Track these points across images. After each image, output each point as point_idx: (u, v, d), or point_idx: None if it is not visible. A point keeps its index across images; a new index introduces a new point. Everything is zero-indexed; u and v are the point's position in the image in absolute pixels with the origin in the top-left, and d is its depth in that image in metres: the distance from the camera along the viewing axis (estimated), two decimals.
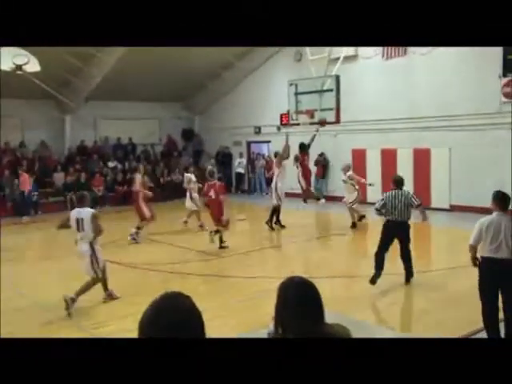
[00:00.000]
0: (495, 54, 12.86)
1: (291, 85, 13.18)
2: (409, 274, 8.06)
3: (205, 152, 23.55)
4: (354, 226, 13.08)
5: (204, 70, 20.03)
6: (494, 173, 13.03)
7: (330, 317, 2.33)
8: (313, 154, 16.68)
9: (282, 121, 19.08)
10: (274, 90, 19.15)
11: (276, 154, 14.13)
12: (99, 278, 7.51)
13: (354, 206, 13.15)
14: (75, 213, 7.58)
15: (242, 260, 10.26)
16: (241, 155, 21.85)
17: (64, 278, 8.96)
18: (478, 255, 5.52)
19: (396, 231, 7.89)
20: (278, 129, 19.86)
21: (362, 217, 13.37)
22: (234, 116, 21.68)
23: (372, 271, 7.86)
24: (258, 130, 20.99)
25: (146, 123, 21.97)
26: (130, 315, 6.45)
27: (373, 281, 7.78)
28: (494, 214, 5.45)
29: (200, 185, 13.21)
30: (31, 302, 7.79)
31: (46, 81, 15.43)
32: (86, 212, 7.52)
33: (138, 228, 12.12)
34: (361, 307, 7.20)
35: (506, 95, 13.53)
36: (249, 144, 22.22)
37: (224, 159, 22.51)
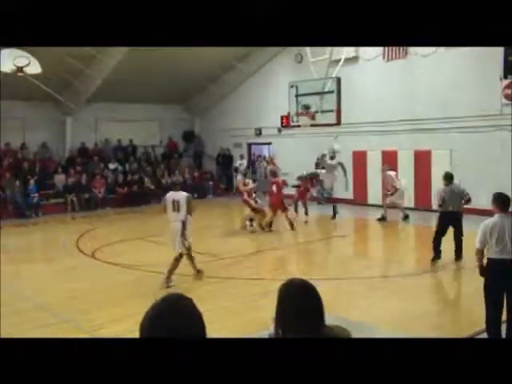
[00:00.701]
0: (496, 55, 12.87)
1: (292, 86, 13.19)
2: (459, 252, 9.22)
3: (205, 154, 23.56)
4: (382, 219, 13.77)
5: (205, 71, 20.05)
6: (495, 174, 13.02)
7: (330, 319, 2.32)
8: (310, 156, 16.73)
9: (282, 123, 19.12)
10: (275, 92, 19.16)
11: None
12: (185, 252, 8.58)
13: (389, 202, 13.86)
14: (171, 195, 8.62)
15: (242, 262, 10.25)
16: (241, 157, 21.85)
17: (64, 280, 8.95)
18: (484, 260, 5.51)
19: (452, 221, 9.21)
20: (279, 130, 19.89)
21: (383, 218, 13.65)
22: (234, 118, 21.69)
23: (372, 271, 8.30)
24: (258, 132, 21.00)
25: (146, 125, 21.98)
26: (130, 317, 6.44)
27: (433, 262, 9.30)
28: (496, 215, 5.45)
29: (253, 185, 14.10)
30: (31, 304, 7.79)
31: (46, 82, 15.46)
32: (181, 195, 8.57)
33: (251, 219, 13.38)
34: (361, 309, 7.19)
35: (507, 97, 13.53)
36: (249, 146, 22.23)
37: (224, 161, 22.53)
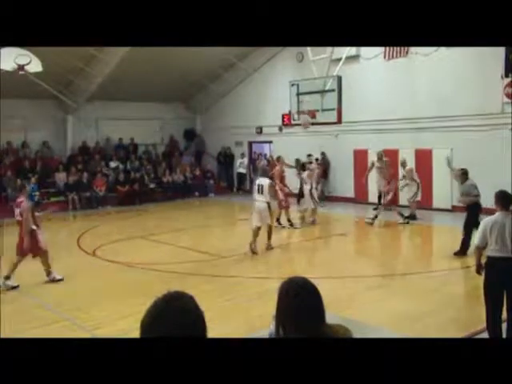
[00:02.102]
0: (497, 54, 12.86)
1: (293, 85, 13.19)
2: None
3: (206, 152, 23.56)
4: (413, 218, 13.61)
5: (206, 70, 20.05)
6: (496, 173, 13.00)
7: (331, 317, 2.32)
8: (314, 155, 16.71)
9: (283, 121, 19.12)
10: (276, 91, 19.15)
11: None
12: (273, 223, 11.27)
13: (412, 201, 13.77)
14: (258, 181, 10.74)
15: (242, 260, 10.25)
16: (242, 155, 21.86)
17: (65, 278, 8.95)
18: (482, 260, 5.51)
19: (481, 212, 9.61)
20: (280, 129, 19.88)
21: (407, 217, 13.57)
22: (235, 116, 21.68)
23: (373, 271, 7.91)
24: (259, 131, 20.99)
25: (147, 123, 21.97)
26: (130, 315, 6.45)
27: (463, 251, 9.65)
28: (497, 213, 5.45)
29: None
30: (32, 302, 7.80)
31: (48, 81, 15.48)
32: (265, 180, 10.62)
33: (277, 219, 13.32)
34: (362, 308, 7.19)
35: (508, 96, 13.52)
36: (250, 144, 22.23)
37: (225, 159, 22.53)
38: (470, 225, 9.62)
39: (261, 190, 10.45)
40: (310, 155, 15.68)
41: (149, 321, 1.65)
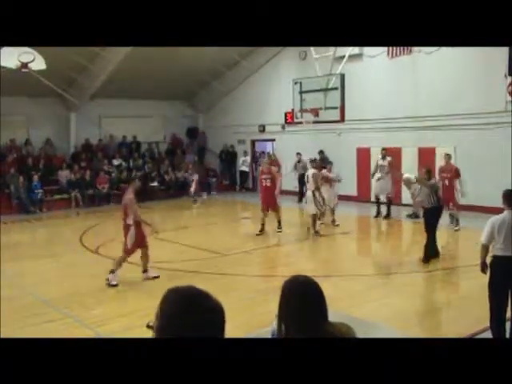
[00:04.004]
0: (501, 53, 12.79)
1: (296, 83, 13.16)
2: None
3: (209, 150, 23.56)
4: (416, 216, 13.24)
5: (209, 68, 20.03)
6: (500, 172, 12.97)
7: (334, 315, 2.32)
8: (313, 153, 16.70)
9: (286, 119, 19.09)
10: (279, 89, 19.13)
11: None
12: (321, 212, 12.18)
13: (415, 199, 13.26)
14: (309, 172, 12.08)
15: (245, 258, 10.26)
16: (245, 153, 21.85)
17: (67, 275, 8.98)
18: (488, 259, 5.48)
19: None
20: (283, 127, 19.86)
21: (409, 216, 13.47)
22: (238, 114, 21.67)
23: (374, 270, 7.85)
24: (262, 129, 20.98)
25: (150, 121, 21.99)
26: (133, 312, 6.47)
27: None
28: (505, 212, 5.40)
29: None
30: (36, 299, 7.83)
31: (51, 79, 15.48)
32: (310, 171, 12.00)
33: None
34: (364, 306, 7.19)
35: None
36: (253, 142, 22.21)
37: (228, 157, 22.52)
38: (433, 229, 9.34)
39: (307, 179, 11.69)
40: (321, 152, 15.39)
41: (175, 312, 1.62)
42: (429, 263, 9.11)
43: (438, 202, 9.38)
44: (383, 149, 14.52)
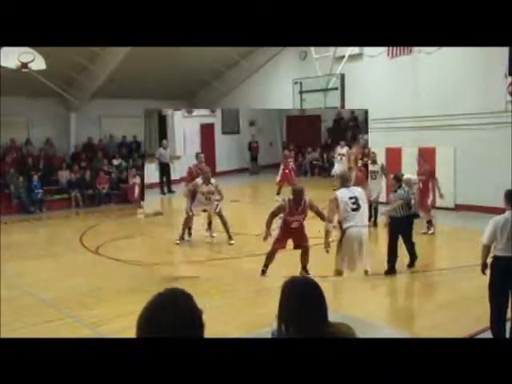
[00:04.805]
0: (501, 53, 12.79)
1: (296, 83, 13.18)
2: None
3: None
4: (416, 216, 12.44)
5: (208, 68, 20.02)
6: (500, 172, 12.97)
7: (334, 316, 2.32)
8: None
9: None
10: (279, 89, 19.12)
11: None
12: None
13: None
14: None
15: (245, 258, 10.24)
16: None
17: (67, 275, 8.97)
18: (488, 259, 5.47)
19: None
20: None
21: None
22: None
23: (374, 269, 7.93)
24: None
25: None
26: (133, 312, 6.45)
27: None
28: (507, 212, 5.38)
29: None
30: (35, 299, 7.82)
31: (51, 78, 15.49)
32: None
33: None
34: (364, 306, 7.19)
35: None
36: None
37: None
38: (396, 241, 8.61)
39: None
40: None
41: (146, 318, 1.64)
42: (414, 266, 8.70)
43: (408, 211, 8.71)
44: (372, 152, 13.61)
